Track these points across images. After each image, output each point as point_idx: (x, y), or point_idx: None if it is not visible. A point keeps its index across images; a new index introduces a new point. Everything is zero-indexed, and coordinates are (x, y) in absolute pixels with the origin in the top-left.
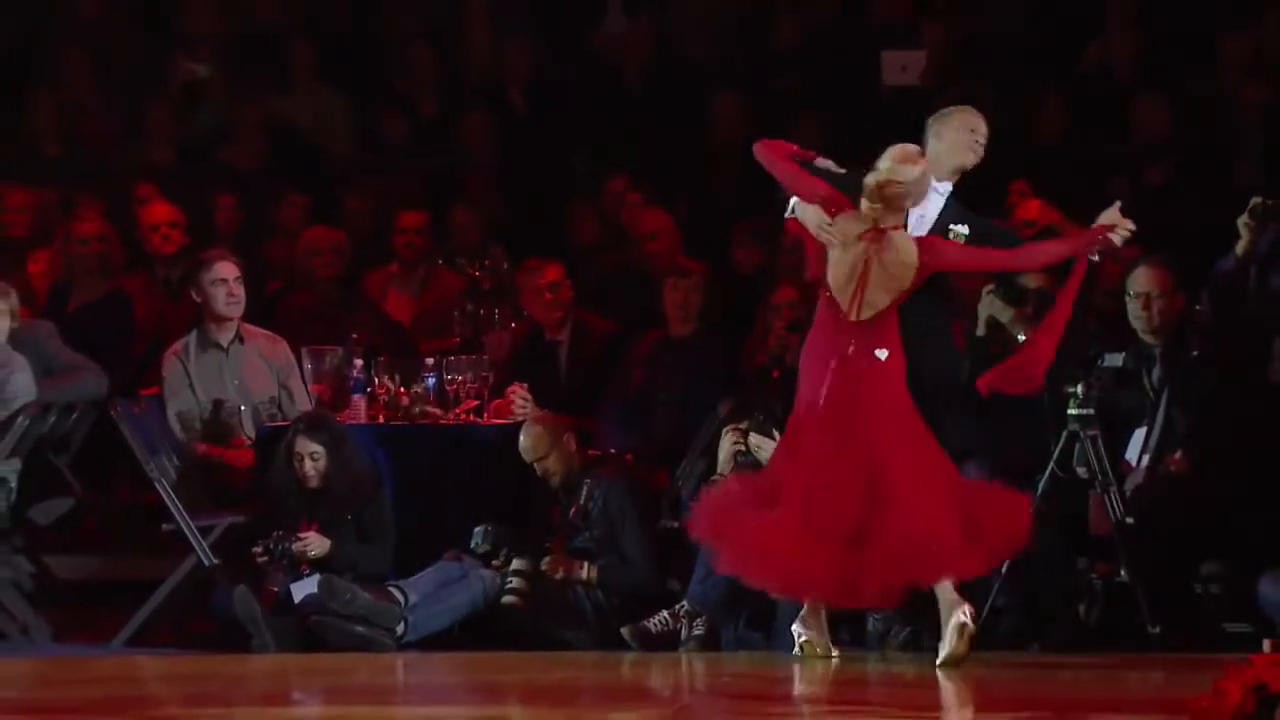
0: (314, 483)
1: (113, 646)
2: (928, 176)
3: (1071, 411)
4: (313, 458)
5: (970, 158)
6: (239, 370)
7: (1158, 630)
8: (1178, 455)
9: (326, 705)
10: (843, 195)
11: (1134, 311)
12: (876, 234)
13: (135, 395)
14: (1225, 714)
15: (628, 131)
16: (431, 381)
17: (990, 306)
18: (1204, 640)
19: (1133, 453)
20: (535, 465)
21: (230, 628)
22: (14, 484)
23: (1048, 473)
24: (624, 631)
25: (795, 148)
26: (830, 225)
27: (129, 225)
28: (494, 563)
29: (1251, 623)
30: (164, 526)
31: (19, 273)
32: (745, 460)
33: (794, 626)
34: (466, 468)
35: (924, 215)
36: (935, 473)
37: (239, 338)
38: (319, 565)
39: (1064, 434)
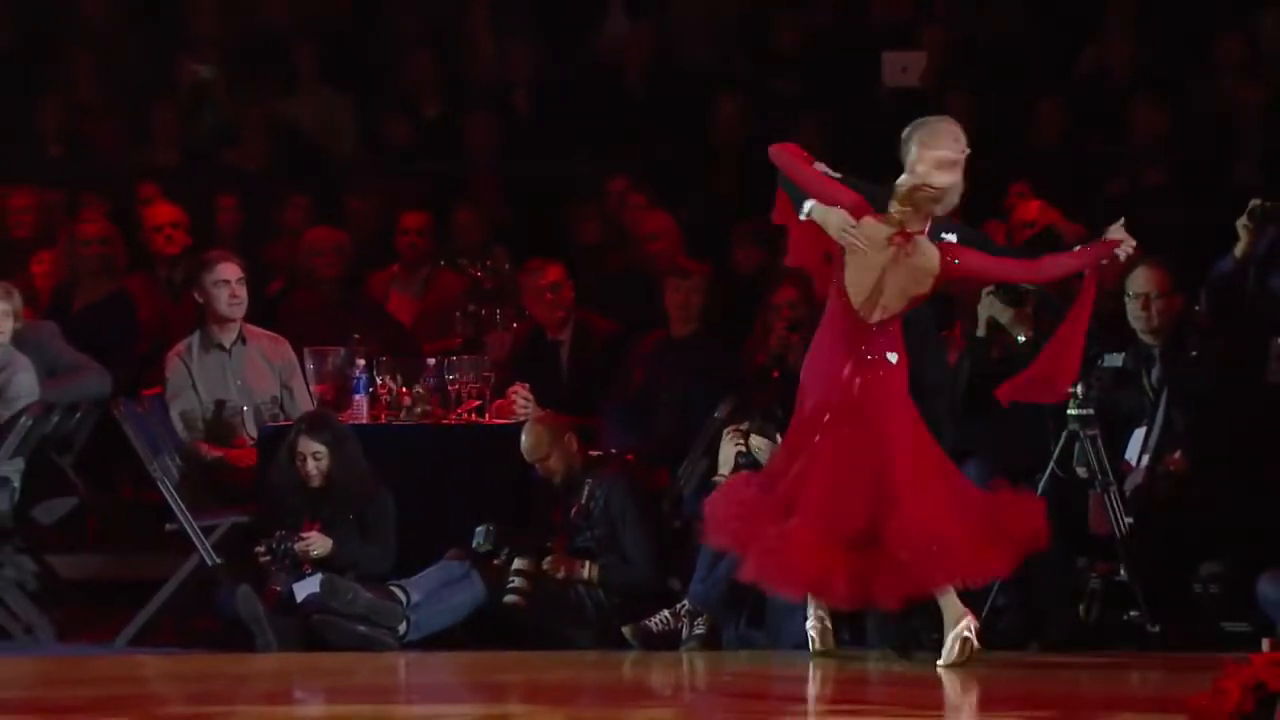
0: (316, 482)
1: (116, 646)
2: (960, 185)
3: (1071, 411)
4: (315, 457)
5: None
6: (241, 371)
7: (1157, 629)
8: (1177, 455)
9: (329, 704)
10: (864, 200)
11: (1133, 312)
12: (904, 238)
13: (138, 395)
14: (1224, 713)
15: (629, 132)
16: (433, 382)
17: (990, 307)
18: (1203, 639)
19: (1132, 452)
20: (537, 465)
21: (233, 627)
22: (17, 483)
23: (1047, 472)
24: (625, 631)
25: (804, 151)
26: (854, 229)
27: (132, 226)
28: (495, 562)
29: (1250, 622)
30: (167, 526)
31: (23, 273)
32: (746, 462)
33: (809, 625)
34: (468, 468)
35: None
36: (937, 476)
37: (241, 338)
38: (321, 565)
39: (1064, 434)
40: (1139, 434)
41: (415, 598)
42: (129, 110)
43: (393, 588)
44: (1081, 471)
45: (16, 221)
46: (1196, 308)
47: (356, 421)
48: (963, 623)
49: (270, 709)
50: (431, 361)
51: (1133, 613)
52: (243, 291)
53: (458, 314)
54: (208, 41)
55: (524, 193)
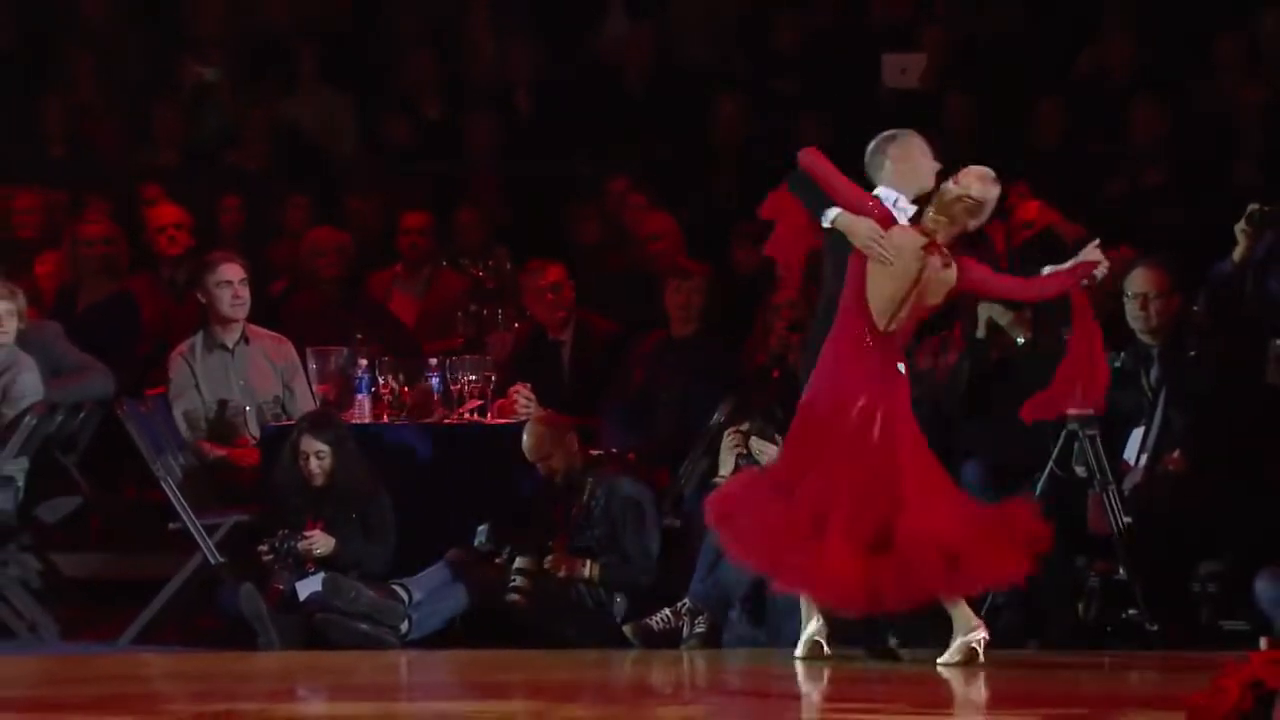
0: (319, 481)
1: (119, 644)
2: (994, 202)
3: (1070, 411)
4: (318, 456)
5: (932, 181)
6: (244, 371)
7: (1156, 628)
8: (1175, 454)
9: (331, 702)
10: (889, 211)
11: (1132, 312)
12: (934, 248)
13: (141, 395)
14: (1223, 711)
15: (629, 132)
16: (435, 381)
17: (989, 309)
18: (1201, 638)
19: (1131, 452)
20: (538, 465)
21: (236, 625)
22: (21, 483)
23: (1047, 472)
24: (626, 629)
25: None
26: (883, 239)
27: (136, 227)
28: (496, 561)
29: (1248, 620)
30: (170, 525)
31: (27, 274)
32: (746, 463)
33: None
34: (469, 467)
35: None
36: (942, 485)
37: (244, 339)
38: (324, 563)
39: (1063, 433)
40: (1138, 433)
41: (417, 596)
42: (130, 111)
43: (395, 586)
44: (1080, 471)
45: (20, 222)
46: (1195, 308)
47: (359, 421)
48: (975, 633)
49: (273, 707)
50: (433, 361)
51: (1131, 611)
52: (245, 292)
53: (459, 314)
54: (209, 42)
55: (524, 193)
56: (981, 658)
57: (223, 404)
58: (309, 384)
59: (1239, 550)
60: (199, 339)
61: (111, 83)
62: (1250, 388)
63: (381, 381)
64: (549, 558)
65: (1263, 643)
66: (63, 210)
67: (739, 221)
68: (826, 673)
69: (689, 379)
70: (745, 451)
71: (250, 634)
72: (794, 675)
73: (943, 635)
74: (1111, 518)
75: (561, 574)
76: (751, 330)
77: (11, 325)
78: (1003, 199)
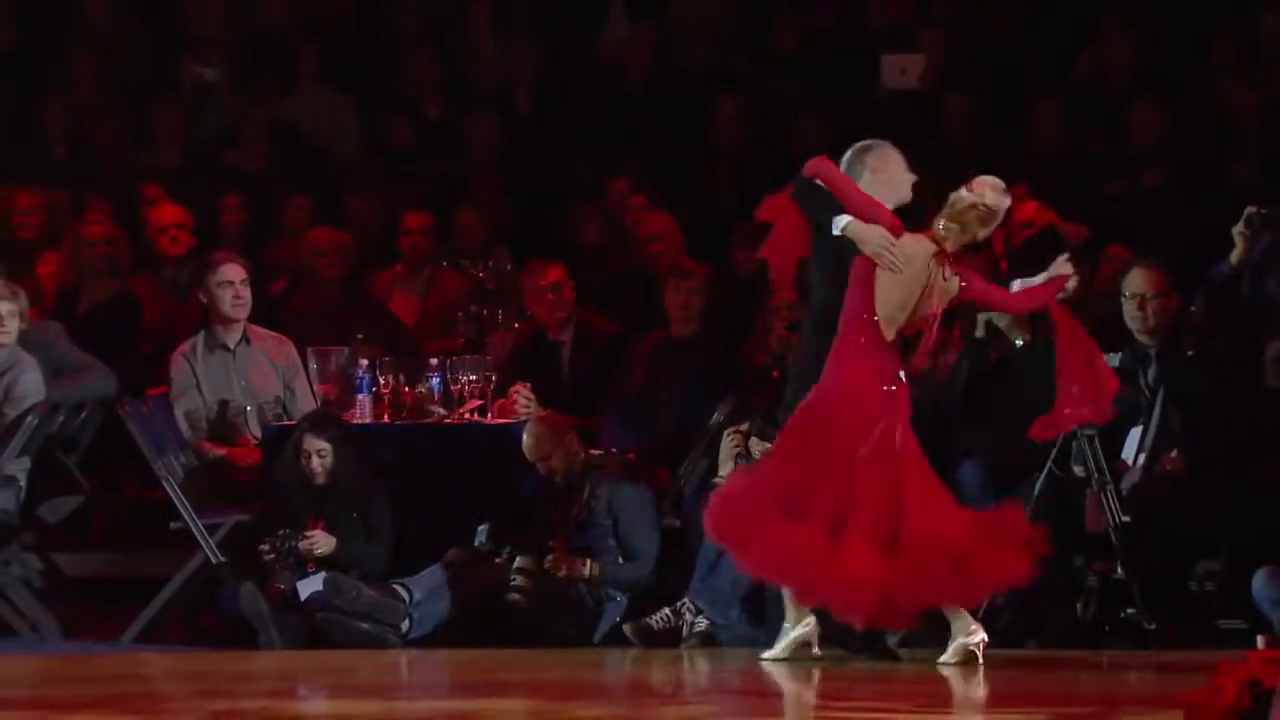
0: (321, 480)
1: (121, 643)
2: (1003, 213)
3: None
4: (320, 455)
5: (909, 193)
6: (245, 371)
7: (1154, 627)
8: (1173, 454)
9: (332, 701)
10: (899, 220)
11: (1129, 312)
12: (943, 257)
13: (143, 395)
14: (1220, 709)
15: (629, 133)
16: (436, 381)
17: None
18: (1199, 637)
19: (1129, 452)
20: (538, 464)
21: (237, 625)
22: (23, 482)
23: (1045, 472)
24: (626, 628)
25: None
26: (893, 246)
27: (137, 227)
28: (496, 560)
29: (1246, 619)
30: (172, 524)
31: (29, 274)
32: (745, 464)
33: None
34: (470, 467)
35: None
36: (940, 491)
37: (245, 339)
38: (325, 563)
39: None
40: (1135, 433)
41: (418, 595)
42: (130, 111)
43: (395, 585)
44: (1079, 471)
45: (22, 222)
46: (1192, 308)
47: (360, 421)
48: (974, 636)
49: (274, 705)
50: (434, 361)
51: (1130, 610)
52: (246, 292)
53: (460, 314)
54: (209, 42)
55: (525, 193)
56: (980, 659)
57: (224, 404)
58: (310, 384)
59: (1236, 549)
60: (200, 339)
61: (112, 83)
62: (1247, 388)
63: (382, 381)
64: (549, 558)
65: (1260, 641)
66: (64, 210)
67: (739, 222)
68: (826, 673)
69: (689, 379)
70: (745, 452)
71: (251, 633)
72: (794, 675)
73: (942, 636)
74: (1110, 517)
75: (561, 574)
76: (751, 330)
77: (13, 325)
78: None
